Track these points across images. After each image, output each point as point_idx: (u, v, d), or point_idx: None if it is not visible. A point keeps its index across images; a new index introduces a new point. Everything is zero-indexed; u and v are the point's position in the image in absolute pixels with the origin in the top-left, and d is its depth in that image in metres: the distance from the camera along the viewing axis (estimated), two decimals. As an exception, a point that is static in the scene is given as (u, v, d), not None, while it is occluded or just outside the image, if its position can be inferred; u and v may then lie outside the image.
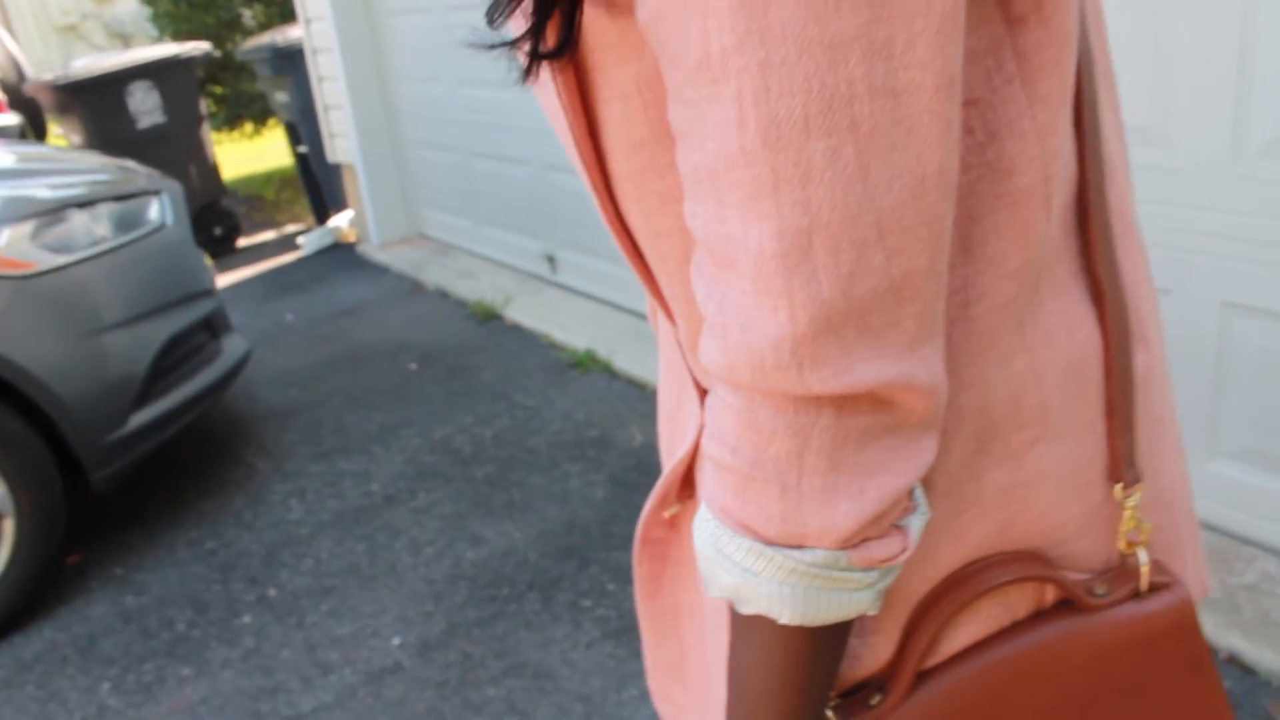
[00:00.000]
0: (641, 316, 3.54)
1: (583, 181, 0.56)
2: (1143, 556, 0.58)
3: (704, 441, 0.47)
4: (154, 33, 8.07)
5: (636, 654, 2.01)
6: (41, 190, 2.69)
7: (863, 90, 0.38)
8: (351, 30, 4.82)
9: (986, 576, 0.55)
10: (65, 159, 3.13)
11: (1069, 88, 0.50)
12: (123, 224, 2.76)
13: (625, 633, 2.07)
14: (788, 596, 0.46)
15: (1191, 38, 1.73)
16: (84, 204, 2.69)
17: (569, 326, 3.59)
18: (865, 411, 0.43)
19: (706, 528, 0.48)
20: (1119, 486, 0.57)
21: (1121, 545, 0.58)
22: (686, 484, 0.65)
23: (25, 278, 2.49)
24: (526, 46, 0.48)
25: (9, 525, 2.42)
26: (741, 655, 0.51)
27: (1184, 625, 0.58)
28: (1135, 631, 0.57)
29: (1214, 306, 1.85)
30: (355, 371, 3.54)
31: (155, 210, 2.89)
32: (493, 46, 0.50)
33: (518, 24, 0.48)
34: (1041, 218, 0.50)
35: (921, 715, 0.55)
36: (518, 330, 3.71)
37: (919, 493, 0.49)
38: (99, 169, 3.03)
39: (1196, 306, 1.87)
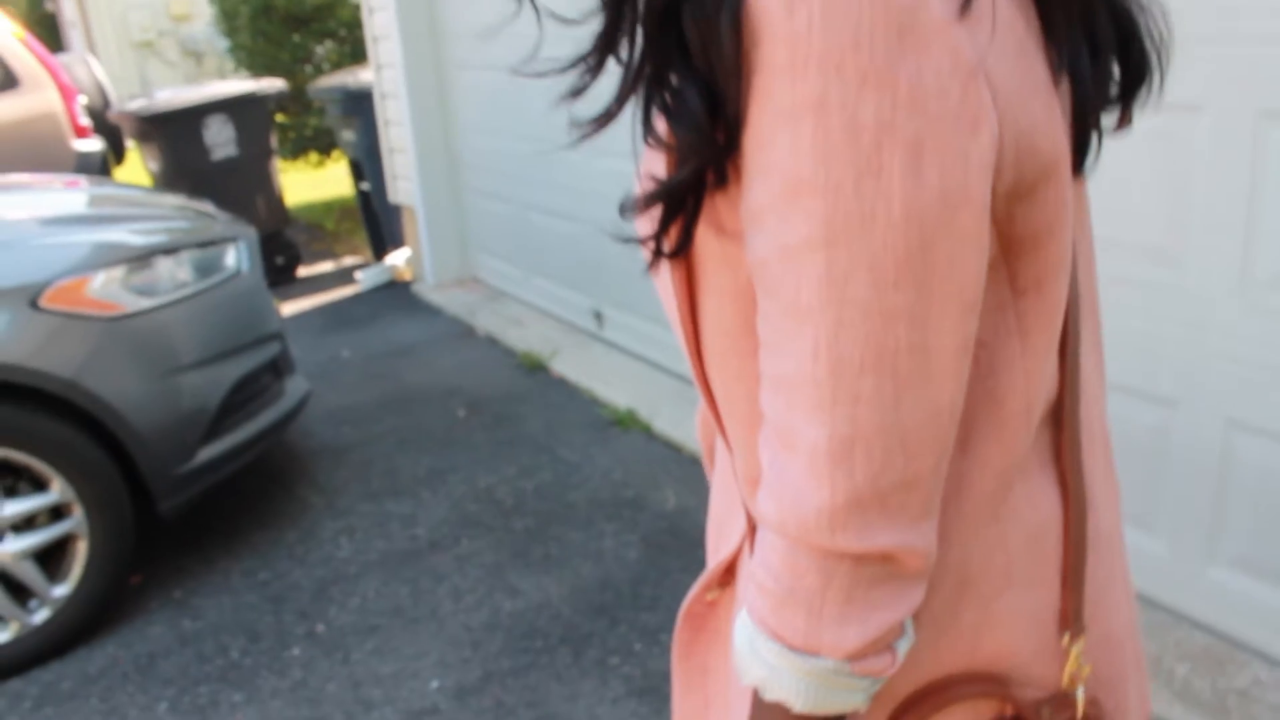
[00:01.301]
0: (681, 378, 3.69)
1: (674, 321, 0.73)
2: (1080, 693, 0.73)
3: (753, 566, 0.63)
4: (224, 51, 8.41)
5: (658, 711, 2.14)
6: (133, 236, 2.90)
7: (904, 347, 0.55)
8: (420, 79, 5.05)
9: (958, 689, 0.70)
10: (153, 204, 3.35)
11: (1056, 339, 0.66)
12: (203, 270, 2.96)
13: (649, 692, 2.20)
14: (802, 691, 0.62)
15: (1207, 171, 1.86)
16: (170, 250, 2.90)
17: (612, 383, 3.75)
18: (875, 564, 0.59)
19: (745, 631, 0.64)
20: (1066, 636, 0.72)
21: (1065, 682, 0.73)
22: (727, 575, 0.82)
23: (114, 319, 2.69)
24: (651, 244, 0.65)
25: (83, 546, 2.61)
26: None
27: None
28: None
29: (1219, 422, 1.97)
30: (406, 413, 3.72)
31: (232, 256, 3.09)
32: (628, 240, 0.68)
33: (644, 225, 0.65)
34: (1022, 434, 0.66)
35: None
36: (563, 383, 3.87)
37: (909, 624, 0.64)
38: (183, 215, 3.24)
39: (1202, 420, 1.99)
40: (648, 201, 0.63)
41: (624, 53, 0.62)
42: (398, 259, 5.62)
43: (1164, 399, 2.05)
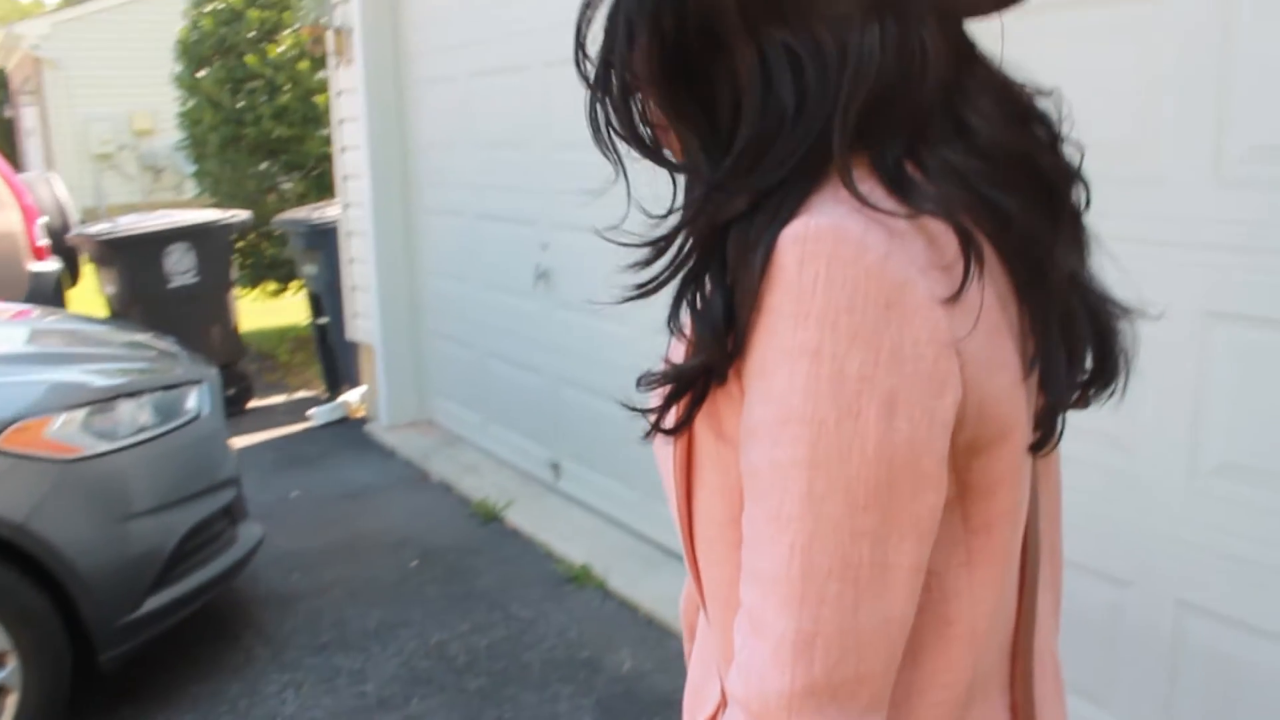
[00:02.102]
0: (637, 535, 3.70)
1: (670, 504, 0.79)
2: None
3: None
4: (185, 171, 8.48)
5: None
6: (97, 377, 2.89)
7: (867, 562, 0.62)
8: (388, 220, 5.14)
9: None
10: (116, 341, 3.34)
11: (1004, 576, 0.73)
12: (164, 412, 2.94)
13: None
14: None
15: (1157, 367, 1.96)
16: (133, 393, 2.88)
17: (567, 537, 3.74)
18: None
19: None
20: None
21: None
22: None
23: (69, 462, 2.65)
24: (653, 417, 0.72)
25: (13, 700, 2.50)
26: None
27: None
28: None
29: (1170, 603, 2.03)
30: (357, 561, 3.66)
31: (194, 399, 3.07)
32: (637, 410, 0.75)
33: (653, 400, 0.72)
34: (968, 655, 0.73)
35: None
36: (517, 536, 3.85)
37: None
38: (147, 354, 3.23)
39: (1154, 601, 2.05)
40: (658, 381, 0.70)
41: (677, 248, 0.70)
42: (352, 396, 5.60)
43: (1117, 579, 2.11)
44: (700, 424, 0.71)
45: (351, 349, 5.65)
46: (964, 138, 0.68)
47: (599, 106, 0.74)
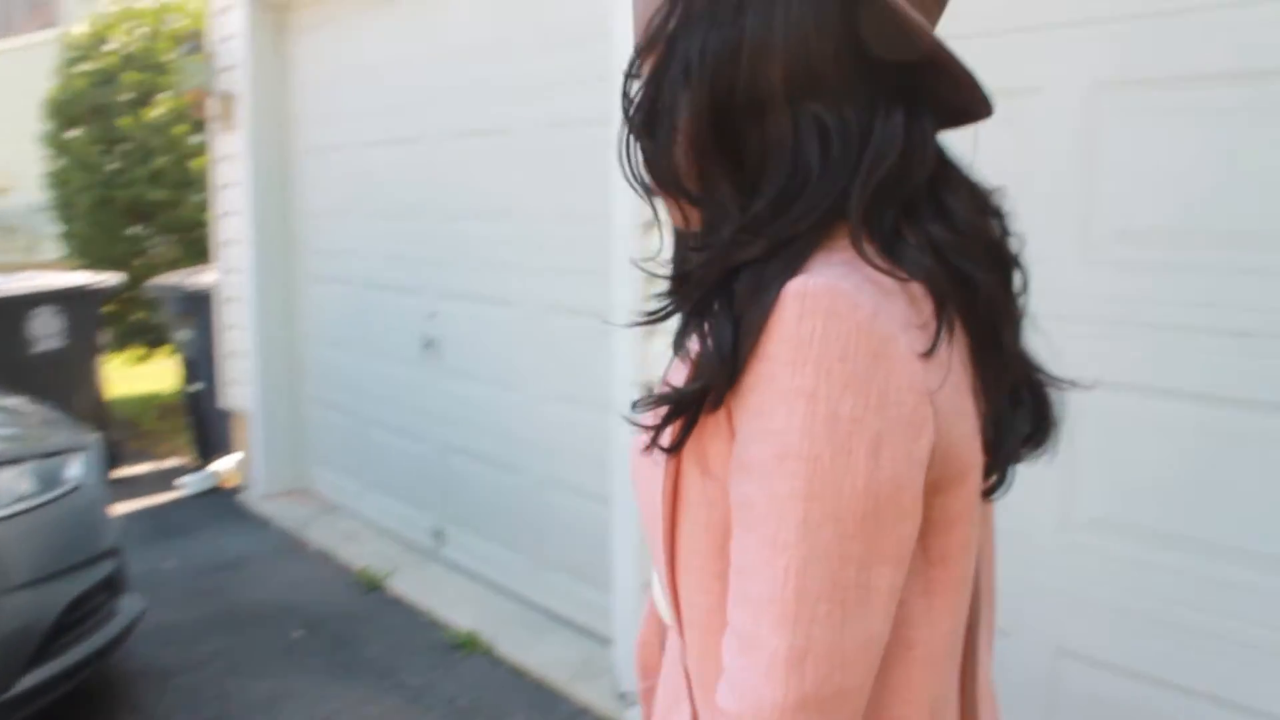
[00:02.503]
0: (523, 601, 3.74)
1: (653, 536, 0.84)
2: None
3: None
4: (48, 232, 8.18)
5: None
6: (-27, 447, 2.80)
7: (853, 584, 0.70)
8: (270, 287, 5.10)
9: None
10: (-9, 407, 3.24)
11: (958, 608, 0.82)
12: (43, 482, 2.87)
13: None
14: None
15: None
16: (13, 461, 2.81)
17: (453, 604, 3.75)
18: None
19: None
20: None
21: None
22: None
23: (-56, 533, 2.56)
24: (651, 435, 0.79)
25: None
26: None
27: None
28: None
29: (1047, 651, 2.20)
30: (237, 633, 3.59)
31: (74, 467, 3.00)
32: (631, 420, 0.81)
33: (651, 419, 0.79)
34: (927, 676, 0.81)
35: None
36: (401, 604, 3.84)
37: None
38: (25, 420, 3.14)
39: (1032, 649, 2.22)
40: (659, 401, 0.77)
41: (691, 289, 0.78)
42: (224, 465, 5.48)
43: (999, 629, 2.28)
44: (688, 461, 0.78)
45: (225, 416, 5.54)
46: (943, 218, 0.78)
47: (637, 149, 0.81)
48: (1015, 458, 0.86)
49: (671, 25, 0.78)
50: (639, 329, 2.75)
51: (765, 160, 0.76)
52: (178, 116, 6.99)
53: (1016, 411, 0.85)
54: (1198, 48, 1.89)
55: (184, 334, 5.70)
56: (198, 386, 5.67)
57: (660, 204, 0.86)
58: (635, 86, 0.81)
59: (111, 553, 3.01)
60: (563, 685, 3.16)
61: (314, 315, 5.07)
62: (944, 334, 0.74)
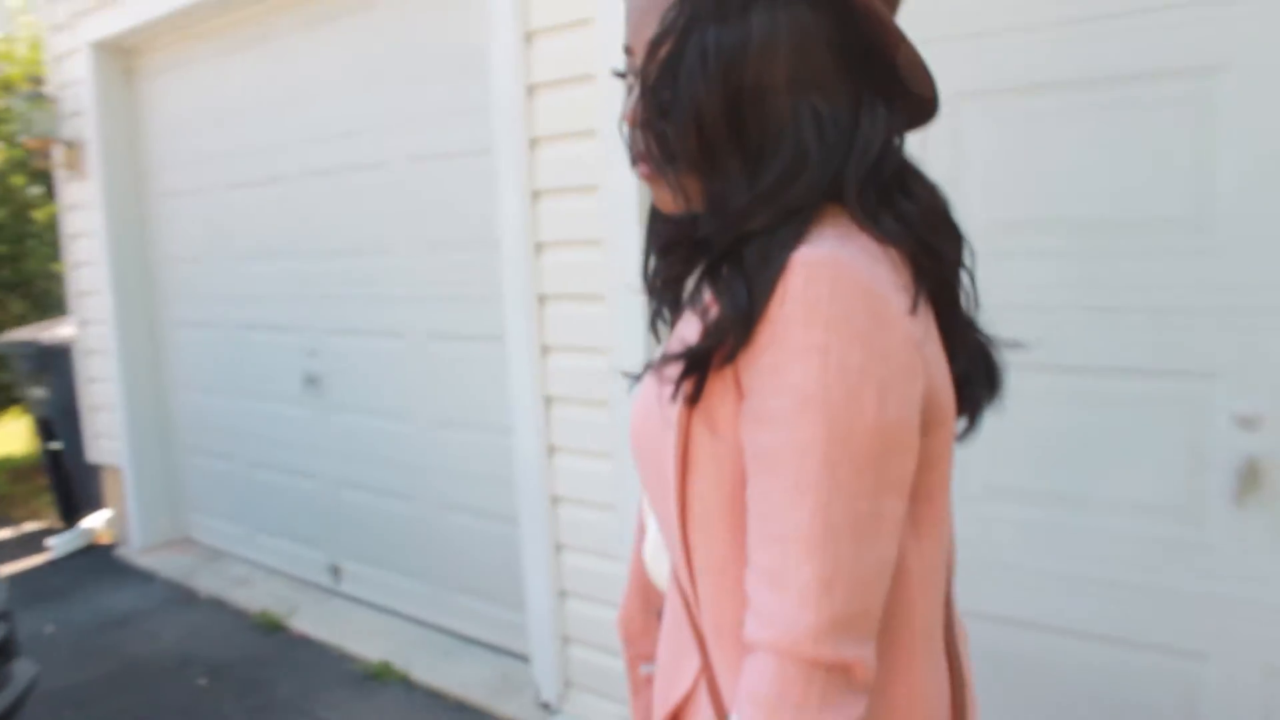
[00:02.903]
0: (432, 628, 3.78)
1: (661, 499, 0.94)
2: None
3: (749, 688, 0.83)
4: None
5: None
6: None
7: (866, 515, 0.81)
8: (133, 336, 4.97)
9: None
10: None
11: (940, 546, 0.95)
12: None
13: None
14: None
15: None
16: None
17: (360, 637, 3.76)
18: (839, 674, 0.82)
19: None
20: None
21: None
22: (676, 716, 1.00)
23: None
24: (672, 388, 0.88)
25: None
26: None
27: None
28: None
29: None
30: (139, 690, 3.50)
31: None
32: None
33: (671, 378, 0.89)
34: (920, 599, 0.93)
35: None
36: (306, 642, 3.82)
37: None
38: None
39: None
40: (679, 357, 0.87)
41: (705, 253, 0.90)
42: (95, 522, 5.29)
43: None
44: (697, 424, 0.88)
45: (92, 473, 5.34)
46: (911, 199, 0.91)
47: (659, 132, 0.91)
48: (979, 407, 1.00)
49: (682, 21, 0.88)
50: (535, 350, 2.87)
51: (769, 143, 0.87)
52: (15, 166, 6.70)
53: (975, 366, 1.00)
54: (1048, 59, 2.15)
55: (38, 391, 5.48)
56: (57, 445, 5.45)
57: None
58: (643, 77, 0.91)
59: (1, 616, 2.92)
60: (483, 702, 3.23)
61: (183, 362, 4.96)
62: (921, 295, 0.88)
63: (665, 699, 1.03)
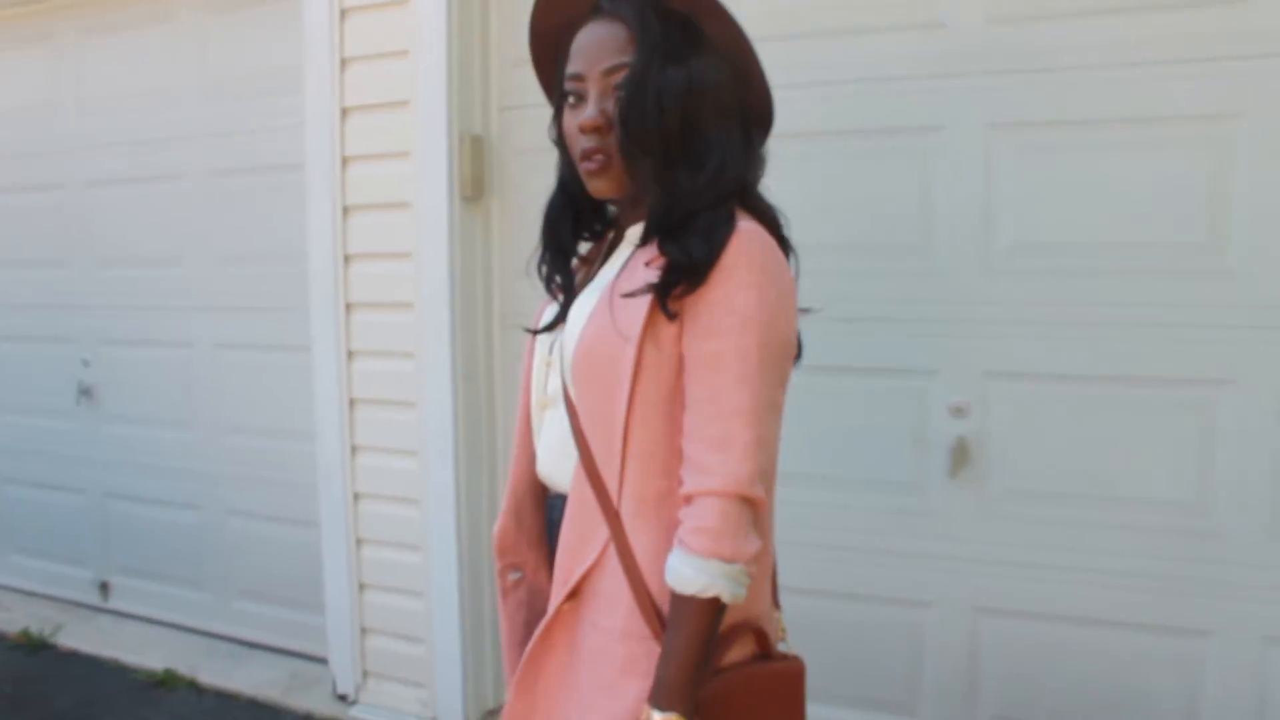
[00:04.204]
0: (213, 636, 3.79)
1: (613, 394, 1.24)
2: (785, 645, 1.37)
3: (699, 523, 1.18)
4: None
5: None
6: None
7: (772, 399, 1.24)
8: None
9: (744, 626, 1.31)
10: None
11: (779, 438, 1.33)
12: None
13: None
14: (726, 586, 1.19)
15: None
16: None
17: (138, 649, 3.72)
18: (754, 508, 1.21)
19: (688, 562, 1.18)
20: (777, 610, 1.38)
21: (777, 634, 1.38)
22: (573, 592, 1.31)
23: None
24: (631, 312, 1.25)
25: None
26: (688, 626, 1.18)
27: (799, 673, 1.37)
28: (785, 670, 1.35)
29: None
30: (-108, 712, 3.32)
31: None
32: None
33: (642, 308, 1.25)
34: (774, 475, 1.31)
35: (716, 687, 1.24)
36: (78, 657, 3.73)
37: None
38: None
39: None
40: (648, 289, 1.23)
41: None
42: None
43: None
44: (647, 341, 1.23)
45: None
46: (761, 201, 1.35)
47: (629, 136, 1.26)
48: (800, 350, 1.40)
49: (645, 60, 1.25)
50: (341, 355, 3.04)
51: (704, 150, 1.27)
52: None
53: None
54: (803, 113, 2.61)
55: None
56: None
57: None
58: (620, 98, 1.26)
59: None
60: (278, 699, 3.31)
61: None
62: (793, 258, 1.32)
63: (569, 572, 1.32)
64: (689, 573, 1.19)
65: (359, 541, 3.17)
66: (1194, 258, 2.36)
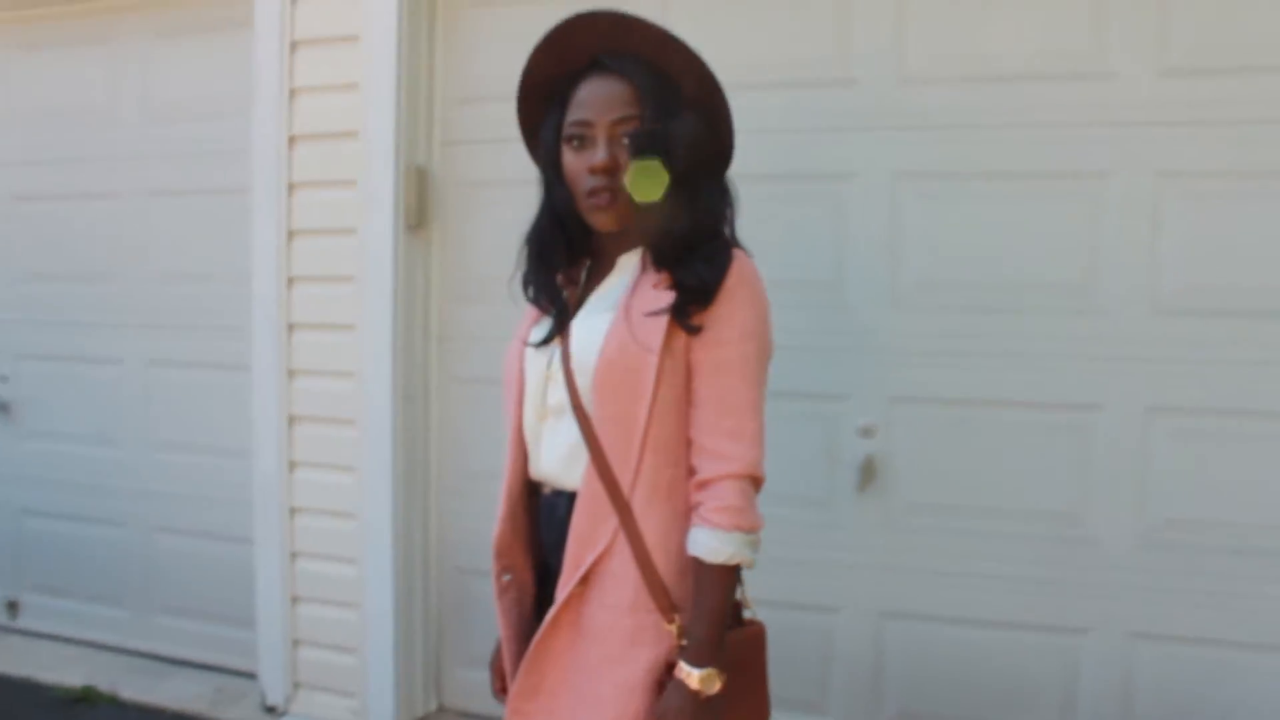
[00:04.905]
0: (132, 653, 3.79)
1: (636, 398, 1.45)
2: (749, 612, 1.60)
3: (711, 504, 1.43)
4: None
5: None
6: None
7: (761, 397, 1.49)
8: None
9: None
10: None
11: None
12: None
13: None
14: (746, 552, 1.44)
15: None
16: None
17: (53, 667, 3.70)
18: (757, 486, 1.48)
19: (714, 536, 1.42)
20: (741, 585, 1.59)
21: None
22: (583, 578, 1.50)
23: None
24: (652, 326, 1.47)
25: None
26: (719, 591, 1.42)
27: (765, 633, 1.60)
28: (758, 631, 1.59)
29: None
30: None
31: None
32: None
33: (656, 330, 1.47)
34: None
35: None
36: (-11, 676, 3.69)
37: None
38: None
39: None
40: (666, 310, 1.46)
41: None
42: None
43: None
44: (664, 350, 1.44)
45: None
46: None
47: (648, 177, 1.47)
48: None
49: (650, 114, 1.48)
50: (282, 374, 3.15)
51: (695, 193, 1.51)
52: None
53: None
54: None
55: None
56: None
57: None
58: (632, 144, 1.46)
59: None
60: (205, 712, 3.36)
61: None
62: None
63: (580, 559, 1.50)
64: (717, 544, 1.43)
65: (294, 555, 3.26)
66: (1070, 297, 2.68)
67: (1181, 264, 2.60)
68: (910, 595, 2.85)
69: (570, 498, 1.52)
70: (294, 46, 3.13)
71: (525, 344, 1.64)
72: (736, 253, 1.50)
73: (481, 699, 3.29)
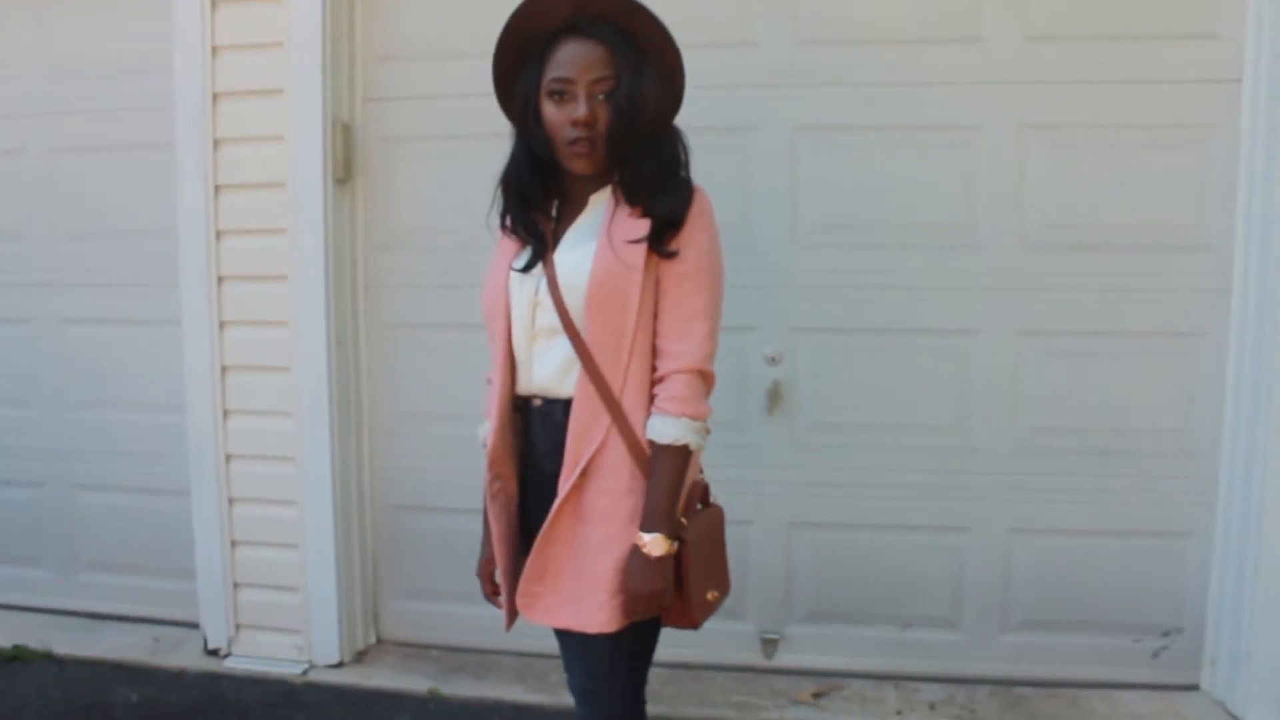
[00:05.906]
0: (58, 612, 3.81)
1: (623, 308, 1.69)
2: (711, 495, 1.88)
3: (668, 394, 1.70)
4: None
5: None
6: None
7: (716, 303, 1.77)
8: None
9: (700, 484, 1.83)
10: None
11: None
12: None
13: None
14: (695, 439, 1.70)
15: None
16: None
17: (-24, 629, 3.70)
18: (709, 380, 1.75)
19: (670, 423, 1.69)
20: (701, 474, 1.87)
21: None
22: (584, 473, 1.74)
23: None
24: (635, 249, 1.72)
25: None
26: (668, 469, 1.68)
27: (723, 514, 1.89)
28: (719, 512, 1.88)
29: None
30: None
31: None
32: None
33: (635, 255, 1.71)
34: None
35: (694, 523, 1.76)
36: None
37: None
38: None
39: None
40: (644, 238, 1.70)
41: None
42: None
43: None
44: (644, 267, 1.67)
45: None
46: None
47: (619, 127, 1.70)
48: None
49: (625, 73, 1.69)
50: (213, 326, 3.25)
51: (659, 140, 1.76)
52: None
53: None
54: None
55: None
56: None
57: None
58: (612, 102, 1.69)
59: None
60: (146, 660, 3.44)
61: None
62: None
63: (579, 455, 1.73)
64: (666, 428, 1.69)
65: (231, 501, 3.37)
66: (949, 235, 3.03)
67: (1045, 205, 2.99)
68: (815, 506, 3.19)
69: (565, 405, 1.76)
70: (214, 4, 3.19)
71: (510, 271, 1.84)
72: (697, 187, 1.77)
73: (415, 629, 3.50)
